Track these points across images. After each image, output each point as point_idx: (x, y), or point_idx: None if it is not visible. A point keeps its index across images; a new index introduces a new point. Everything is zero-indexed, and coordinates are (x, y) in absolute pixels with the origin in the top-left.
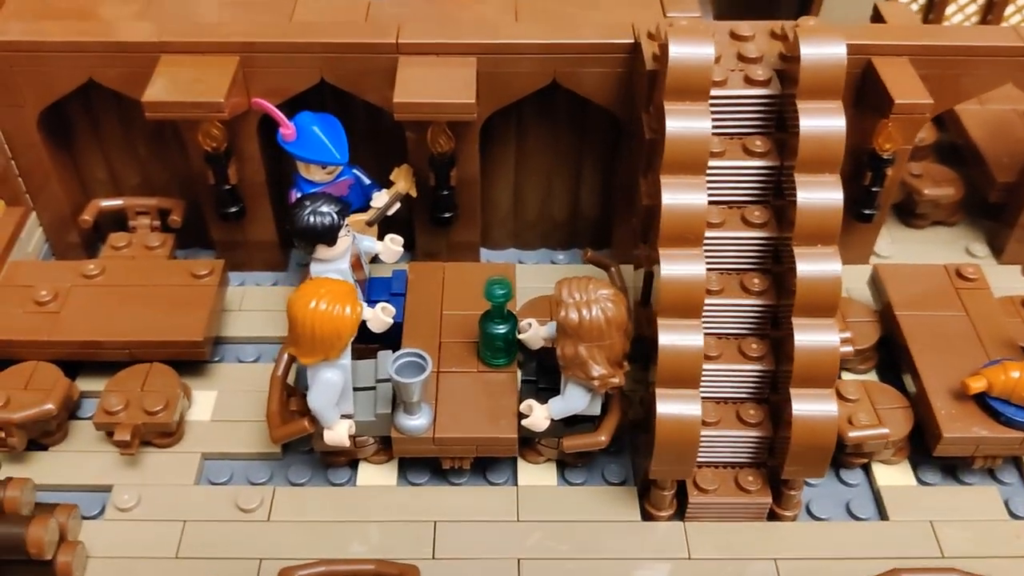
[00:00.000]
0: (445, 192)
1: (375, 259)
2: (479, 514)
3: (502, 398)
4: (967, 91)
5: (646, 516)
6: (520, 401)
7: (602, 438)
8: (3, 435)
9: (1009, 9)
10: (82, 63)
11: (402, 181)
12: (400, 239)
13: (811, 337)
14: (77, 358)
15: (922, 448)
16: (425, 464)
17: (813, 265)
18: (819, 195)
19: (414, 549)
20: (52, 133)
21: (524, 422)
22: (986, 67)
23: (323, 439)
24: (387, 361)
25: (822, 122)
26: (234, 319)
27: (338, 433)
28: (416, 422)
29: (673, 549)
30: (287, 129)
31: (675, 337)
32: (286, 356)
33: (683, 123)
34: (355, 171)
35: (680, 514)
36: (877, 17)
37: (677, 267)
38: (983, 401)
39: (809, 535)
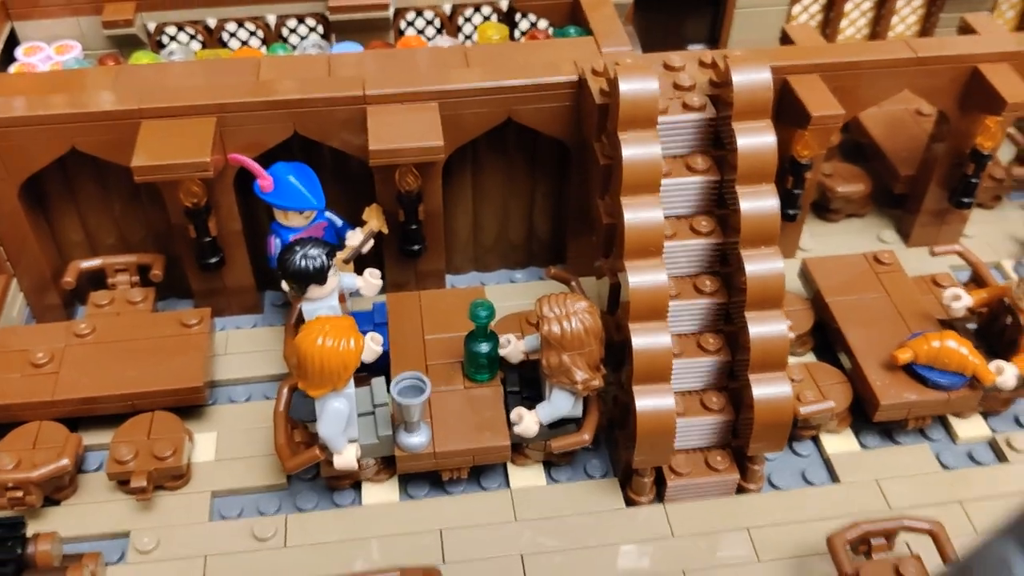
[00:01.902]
0: (414, 226)
1: (354, 293)
2: (479, 518)
3: (491, 410)
4: (871, 99)
5: (629, 503)
6: (507, 411)
7: (586, 436)
8: (21, 494)
9: (894, 19)
10: (64, 134)
11: (374, 219)
12: (378, 272)
13: (763, 328)
14: (79, 414)
15: (861, 416)
16: (423, 478)
17: (759, 264)
18: (759, 203)
19: (425, 557)
20: (29, 199)
21: (516, 429)
22: (885, 77)
23: (331, 465)
24: (381, 387)
25: (756, 139)
26: (222, 363)
27: (347, 457)
28: (417, 439)
29: (657, 529)
30: (265, 180)
31: (646, 339)
32: (286, 392)
33: (637, 149)
34: (328, 214)
35: (659, 498)
36: (785, 38)
37: (643, 277)
38: (911, 370)
39: (773, 503)
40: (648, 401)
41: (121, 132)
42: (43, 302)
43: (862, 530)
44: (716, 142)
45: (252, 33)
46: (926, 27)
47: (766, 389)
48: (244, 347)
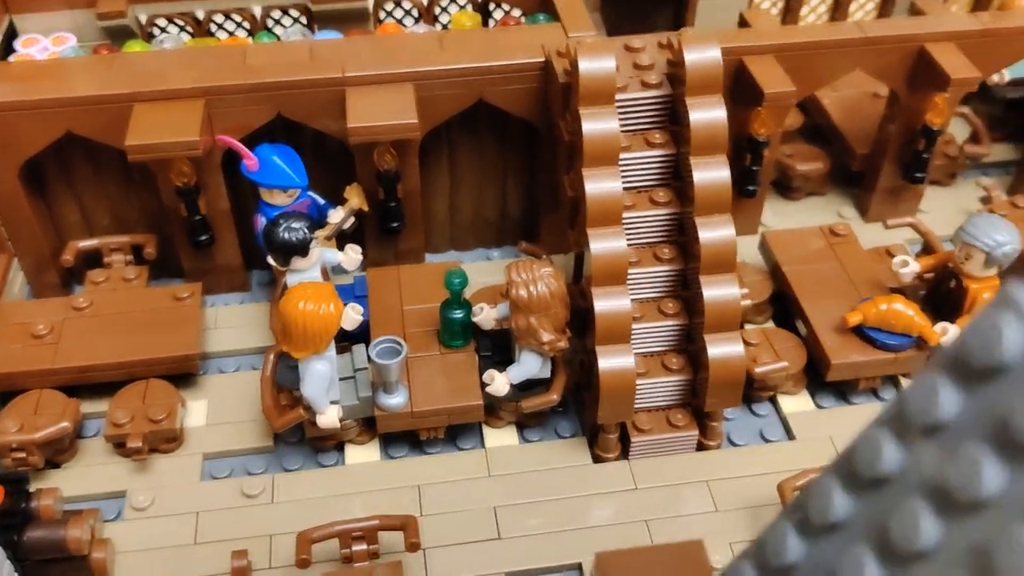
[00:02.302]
0: (392, 204)
1: (336, 268)
2: (455, 475)
3: (465, 373)
4: (823, 78)
5: (597, 460)
6: (480, 375)
7: (554, 396)
8: (24, 455)
9: (853, 6)
10: (61, 118)
11: (355, 198)
12: (358, 248)
13: (716, 291)
14: (78, 382)
15: (817, 379)
16: (403, 439)
17: (712, 231)
18: (711, 173)
19: (404, 510)
20: (28, 182)
21: (488, 389)
22: (837, 57)
23: (315, 425)
24: (361, 353)
25: (708, 114)
26: (212, 336)
27: (329, 417)
28: (395, 400)
29: (622, 483)
30: (251, 160)
31: (608, 303)
32: (272, 358)
33: (596, 124)
34: (310, 193)
35: (624, 454)
36: (743, 23)
37: (604, 244)
38: (860, 332)
39: (731, 459)
40: (610, 361)
41: (114, 115)
42: (43, 280)
43: (810, 477)
44: (674, 118)
45: (239, 24)
46: (883, 13)
47: (720, 348)
48: (232, 322)
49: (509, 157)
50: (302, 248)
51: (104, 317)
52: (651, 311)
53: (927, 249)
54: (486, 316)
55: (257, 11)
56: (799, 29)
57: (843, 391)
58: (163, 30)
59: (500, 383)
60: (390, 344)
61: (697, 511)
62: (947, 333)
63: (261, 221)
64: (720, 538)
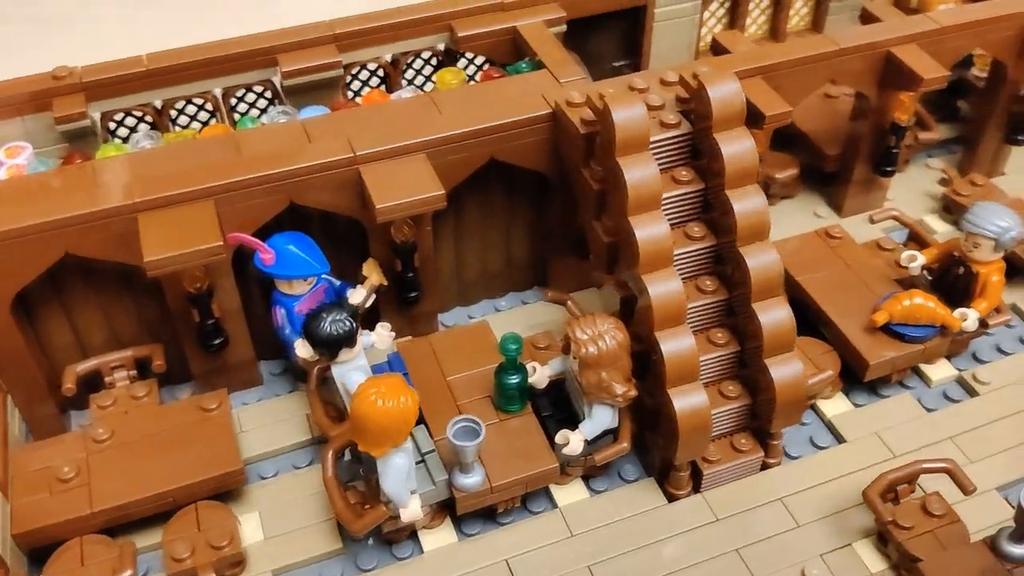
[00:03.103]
0: (410, 275)
1: (367, 348)
2: (538, 542)
3: (531, 437)
4: (806, 91)
5: (671, 498)
6: (546, 434)
7: (625, 444)
8: None
9: (790, 12)
10: (58, 241)
11: (373, 274)
12: (388, 325)
13: (771, 315)
14: (119, 522)
15: (848, 379)
16: (475, 515)
17: (759, 258)
18: (749, 203)
19: None
20: (18, 312)
21: (565, 450)
22: (817, 70)
23: (397, 520)
24: (424, 435)
25: (738, 146)
26: (242, 441)
27: (413, 509)
28: (474, 479)
29: (702, 517)
30: (268, 254)
31: (673, 344)
32: (330, 456)
33: (638, 172)
34: (325, 277)
35: (696, 488)
36: (718, 47)
37: (661, 287)
38: (888, 329)
39: (795, 472)
40: (684, 401)
41: (117, 230)
42: (38, 413)
43: (889, 479)
44: (695, 153)
45: (200, 107)
46: (816, 17)
47: (782, 370)
48: (258, 422)
49: (515, 206)
50: (349, 339)
51: (130, 446)
52: (702, 343)
53: (913, 237)
54: (540, 376)
55: (218, 92)
56: (779, 48)
57: (873, 386)
58: (120, 124)
59: (576, 442)
60: (466, 424)
61: (781, 530)
62: (967, 318)
63: (280, 314)
64: (811, 551)
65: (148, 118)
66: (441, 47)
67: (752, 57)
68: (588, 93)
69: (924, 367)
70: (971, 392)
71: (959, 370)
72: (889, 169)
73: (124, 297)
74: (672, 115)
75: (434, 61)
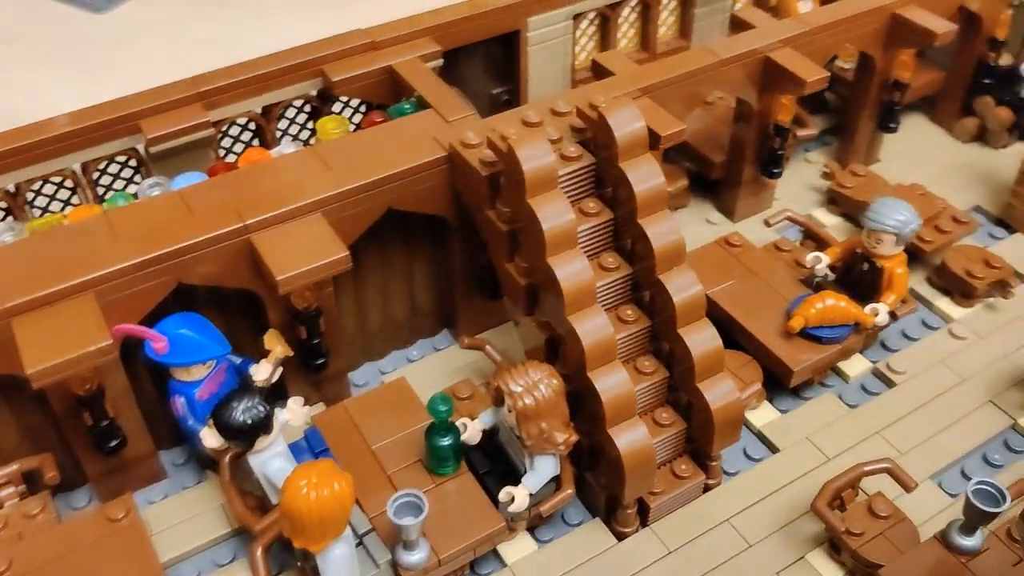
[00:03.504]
0: (316, 341)
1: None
2: None
3: (472, 497)
4: (692, 105)
5: (620, 537)
6: (486, 493)
7: (570, 491)
8: None
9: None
10: None
11: (278, 346)
12: (301, 399)
13: (697, 339)
14: None
15: (770, 385)
16: None
17: (678, 283)
18: (663, 229)
19: None
20: None
21: (511, 509)
22: (700, 83)
23: None
24: (360, 516)
25: (646, 173)
26: (156, 544)
27: None
28: (420, 555)
29: (655, 551)
30: (160, 343)
31: (609, 382)
32: (259, 555)
33: (552, 212)
34: (226, 357)
35: (643, 523)
36: (600, 69)
37: (589, 326)
38: (805, 333)
39: (737, 489)
40: (626, 439)
41: None
42: None
43: (833, 488)
44: (598, 183)
45: (59, 185)
46: (683, 25)
47: (715, 392)
48: (169, 520)
49: (415, 253)
50: (265, 425)
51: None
52: (632, 374)
53: (809, 235)
54: (473, 432)
55: (77, 168)
56: (661, 66)
57: (795, 390)
58: None
59: (521, 498)
60: (407, 499)
61: (734, 552)
62: (879, 313)
63: (180, 403)
64: (768, 569)
65: (3, 203)
66: (314, 93)
67: (636, 77)
68: (486, 134)
69: (840, 364)
70: (888, 383)
71: (873, 362)
72: (776, 171)
73: (1, 408)
74: (572, 147)
75: (308, 108)
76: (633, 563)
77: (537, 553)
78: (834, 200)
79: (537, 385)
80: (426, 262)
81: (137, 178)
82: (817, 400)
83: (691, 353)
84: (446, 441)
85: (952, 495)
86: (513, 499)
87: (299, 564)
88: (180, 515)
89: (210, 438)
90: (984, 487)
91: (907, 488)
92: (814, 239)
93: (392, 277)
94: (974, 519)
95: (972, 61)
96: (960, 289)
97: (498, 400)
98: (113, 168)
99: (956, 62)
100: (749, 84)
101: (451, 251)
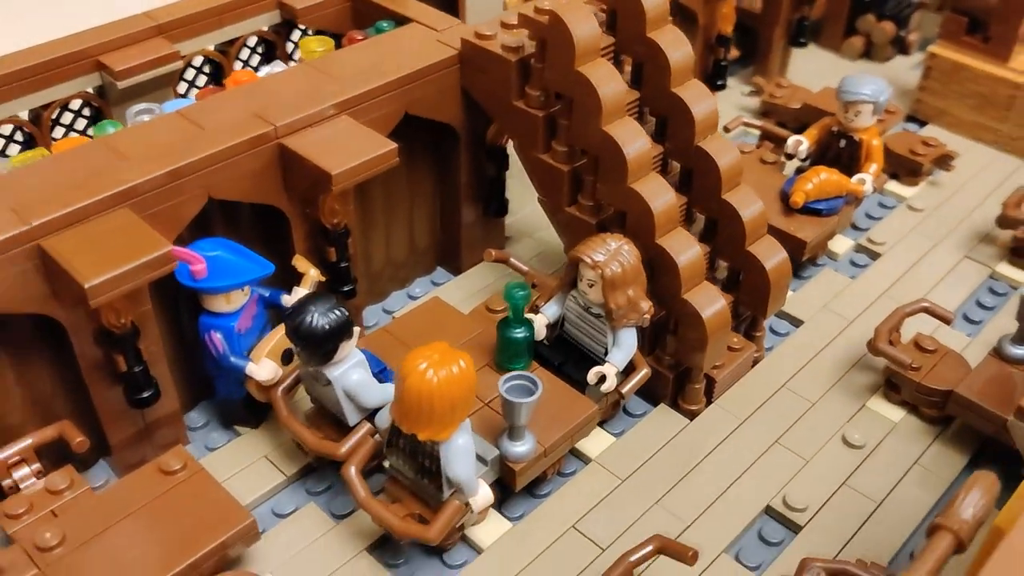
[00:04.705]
0: (344, 264)
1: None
2: (598, 496)
3: (555, 387)
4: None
5: (690, 416)
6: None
7: (647, 370)
8: None
9: None
10: None
11: (311, 268)
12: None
13: (744, 200)
14: None
15: None
16: (514, 497)
17: (718, 150)
18: (699, 95)
19: (583, 552)
20: None
21: (604, 387)
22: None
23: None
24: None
25: (674, 40)
26: None
27: (485, 494)
28: (527, 446)
29: (730, 423)
30: (199, 264)
31: (679, 247)
32: (355, 475)
33: (605, 78)
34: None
35: (709, 400)
36: None
37: (657, 196)
38: (805, 208)
39: (780, 359)
40: (703, 302)
41: (12, 265)
42: None
43: (886, 330)
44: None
45: (17, 128)
46: None
47: (767, 254)
48: (226, 471)
49: (417, 186)
50: (347, 329)
51: (99, 540)
52: None
53: (764, 136)
54: (540, 326)
55: (24, 115)
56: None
57: (795, 272)
58: None
59: (612, 375)
60: (519, 381)
61: (802, 411)
62: (865, 183)
63: (218, 339)
64: (838, 421)
65: None
66: (271, 25)
67: None
68: (539, 5)
69: (829, 244)
70: (873, 255)
71: (855, 240)
72: (720, 83)
73: (5, 377)
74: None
75: (261, 48)
76: (711, 438)
77: (617, 444)
78: (768, 112)
79: (620, 251)
80: (426, 197)
81: (126, 110)
82: (818, 278)
83: (740, 215)
84: (521, 333)
85: (969, 334)
86: (604, 378)
87: (396, 479)
88: (238, 464)
89: (261, 370)
90: None
91: (946, 321)
92: (772, 140)
93: (395, 213)
94: None
95: None
96: (907, 168)
97: (571, 283)
98: (67, 117)
99: None
100: None
101: (456, 167)
